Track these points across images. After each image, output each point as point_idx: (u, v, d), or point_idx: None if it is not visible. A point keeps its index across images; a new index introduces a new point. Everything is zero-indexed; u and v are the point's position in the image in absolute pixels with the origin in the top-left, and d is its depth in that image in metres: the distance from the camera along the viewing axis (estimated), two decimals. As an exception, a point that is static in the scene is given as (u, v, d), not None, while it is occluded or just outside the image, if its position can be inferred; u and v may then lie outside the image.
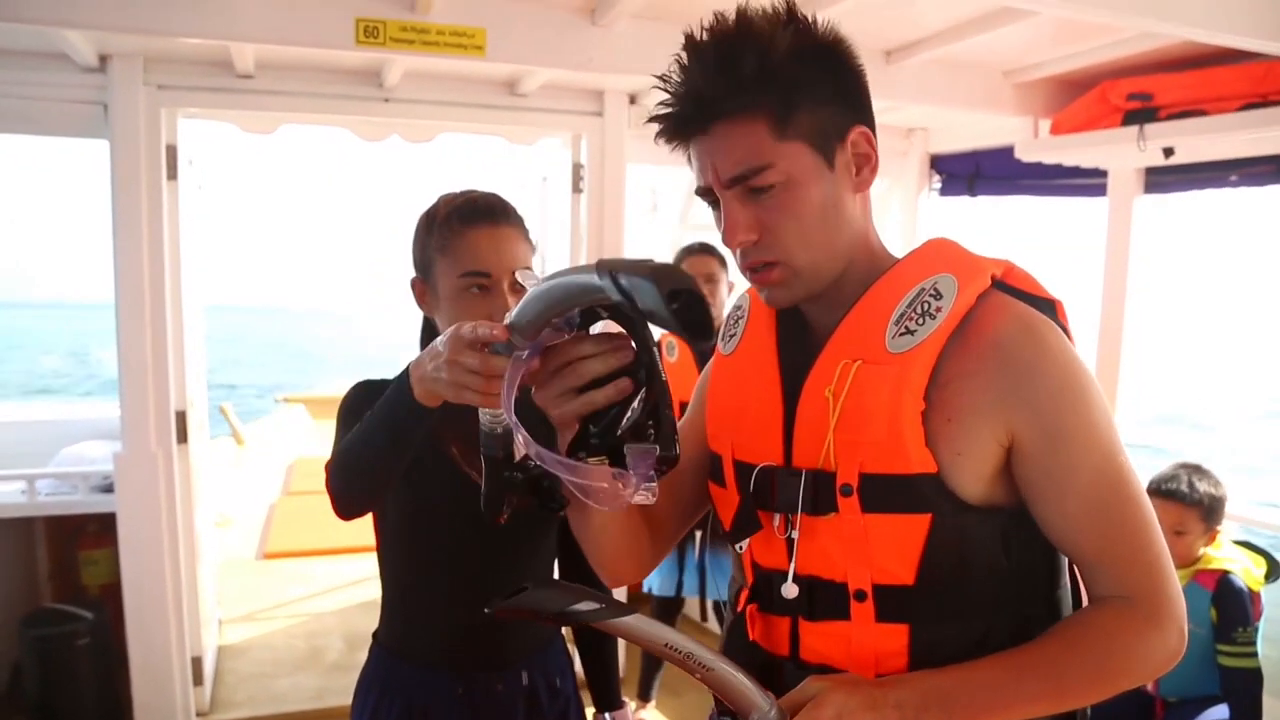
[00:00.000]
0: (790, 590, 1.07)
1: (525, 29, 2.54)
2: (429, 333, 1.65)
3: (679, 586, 3.42)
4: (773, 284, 1.07)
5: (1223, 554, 2.62)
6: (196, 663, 3.40)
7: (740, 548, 1.13)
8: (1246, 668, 2.51)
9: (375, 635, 1.66)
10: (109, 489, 3.23)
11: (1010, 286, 1.07)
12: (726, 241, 1.05)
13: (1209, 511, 2.61)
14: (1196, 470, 2.68)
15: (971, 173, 4.07)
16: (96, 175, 3.06)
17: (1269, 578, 2.62)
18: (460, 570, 1.54)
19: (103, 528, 3.44)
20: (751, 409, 1.12)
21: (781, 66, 0.99)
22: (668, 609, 3.56)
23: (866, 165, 1.06)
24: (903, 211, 4.23)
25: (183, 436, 3.24)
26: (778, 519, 1.08)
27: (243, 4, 2.35)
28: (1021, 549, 1.04)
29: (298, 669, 3.97)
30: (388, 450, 1.27)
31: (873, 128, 1.06)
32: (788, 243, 1.03)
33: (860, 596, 1.04)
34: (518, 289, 1.49)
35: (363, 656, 1.67)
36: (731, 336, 1.21)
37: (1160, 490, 2.64)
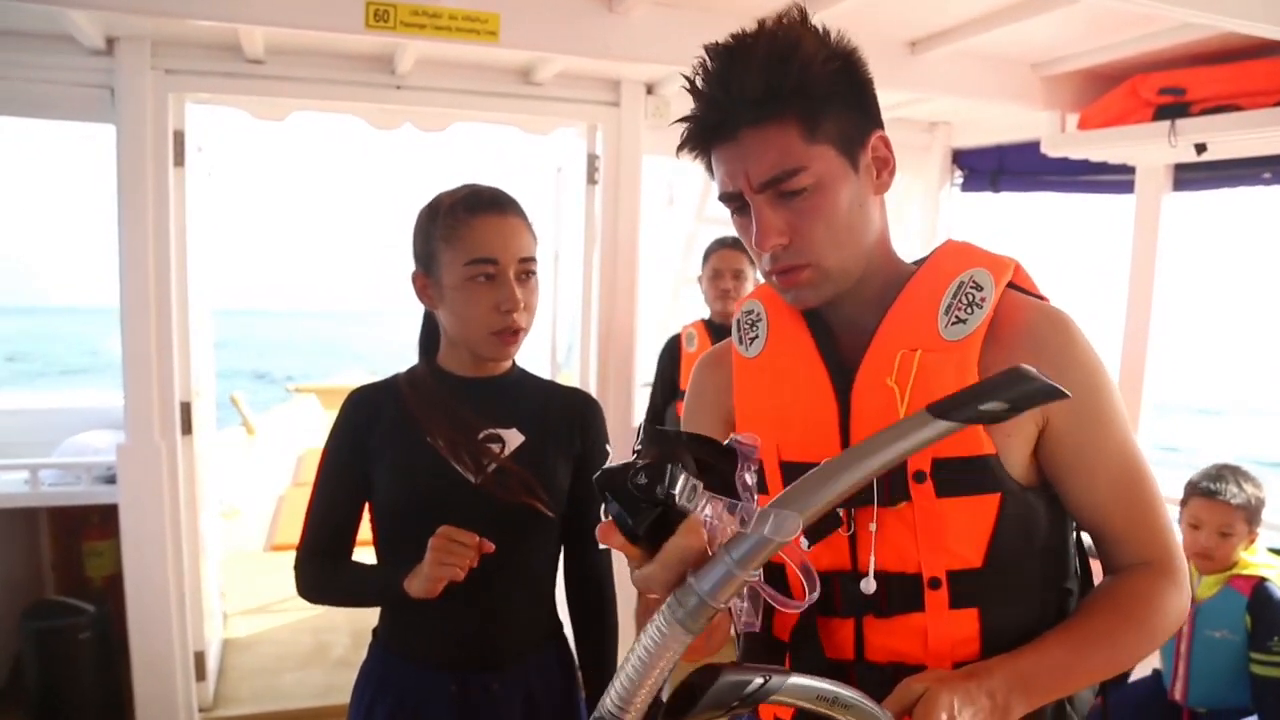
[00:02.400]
0: (870, 585, 1.06)
1: (540, 14, 2.48)
2: (429, 327, 1.65)
3: None
4: (801, 285, 1.08)
5: (1259, 559, 2.55)
6: (199, 657, 3.36)
7: (807, 548, 1.11)
8: (1279, 677, 2.43)
9: (375, 632, 1.67)
10: (112, 480, 3.19)
11: (1017, 285, 1.11)
12: (759, 245, 1.06)
13: (1253, 514, 2.55)
14: (1239, 472, 2.62)
15: (995, 168, 4.01)
16: (103, 167, 3.00)
17: None
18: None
19: (107, 519, 3.40)
20: (799, 407, 1.12)
21: (813, 75, 1.02)
22: None
23: (885, 169, 1.10)
24: (924, 207, 4.16)
25: (187, 428, 3.19)
26: (842, 515, 1.08)
27: (252, -15, 2.29)
28: (1058, 525, 1.10)
29: (303, 665, 3.92)
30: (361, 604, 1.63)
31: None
32: (819, 244, 1.06)
33: (935, 584, 1.05)
34: (523, 279, 1.52)
35: None
36: (753, 340, 1.19)
37: (1207, 491, 2.57)
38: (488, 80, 3.30)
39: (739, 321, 1.22)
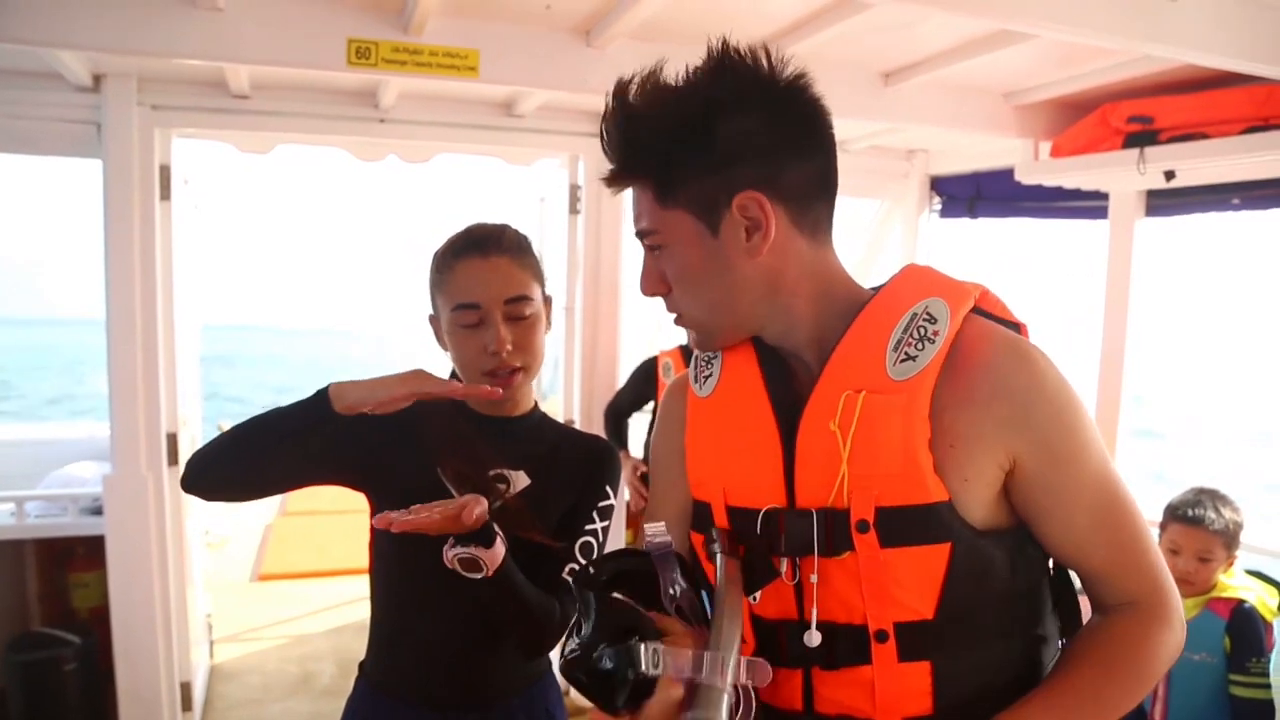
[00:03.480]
0: (813, 638, 1.03)
1: (519, 50, 2.52)
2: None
3: None
4: (688, 331, 1.14)
5: (1237, 582, 2.57)
6: (185, 688, 3.36)
7: (754, 599, 1.09)
8: (1259, 699, 2.44)
9: (361, 666, 1.64)
10: (99, 511, 3.20)
11: (984, 311, 1.07)
12: (640, 289, 1.13)
13: (1231, 538, 2.56)
14: (1217, 496, 2.62)
15: (972, 194, 4.05)
16: (90, 193, 3.02)
17: None
18: (437, 604, 1.51)
19: (93, 550, 3.39)
20: (745, 450, 1.08)
21: (660, 146, 1.03)
22: None
23: (757, 231, 1.04)
24: (903, 233, 4.21)
25: (173, 458, 3.20)
26: (784, 564, 1.04)
27: (235, 25, 2.32)
28: (1027, 569, 1.05)
29: (289, 694, 3.91)
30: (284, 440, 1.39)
31: (781, 186, 1.04)
32: (681, 300, 1.10)
33: (881, 637, 1.01)
34: (513, 319, 1.49)
35: None
36: (707, 378, 1.16)
37: (1186, 517, 2.58)
38: (470, 113, 3.34)
39: (696, 359, 1.19)
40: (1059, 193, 3.62)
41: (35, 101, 2.90)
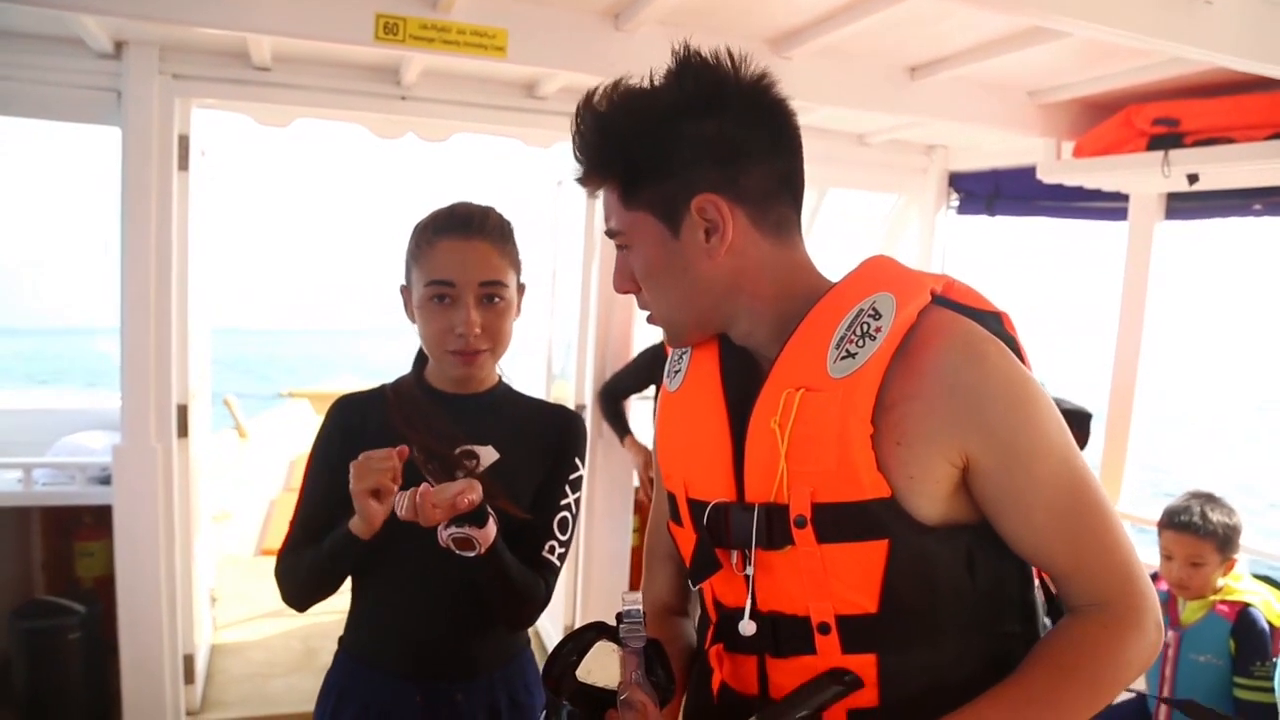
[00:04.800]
0: (748, 628, 1.06)
1: (547, 31, 2.51)
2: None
3: None
4: (659, 327, 1.17)
5: (1244, 585, 2.58)
6: (189, 660, 3.36)
7: (696, 589, 1.14)
8: (1263, 702, 2.46)
9: (340, 640, 1.66)
10: (107, 481, 3.19)
11: (952, 301, 1.06)
12: (613, 286, 1.17)
13: (1224, 541, 2.56)
14: (1209, 499, 2.63)
15: (991, 192, 4.04)
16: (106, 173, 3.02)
17: None
18: (421, 579, 1.54)
19: (99, 520, 3.39)
20: (701, 445, 1.12)
21: (622, 151, 1.07)
22: None
23: (716, 233, 1.06)
24: (920, 228, 4.20)
25: (183, 430, 3.20)
26: (735, 556, 1.07)
27: (262, -5, 2.31)
28: (988, 566, 1.03)
29: (292, 670, 3.91)
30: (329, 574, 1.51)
31: (741, 188, 1.06)
32: (649, 299, 1.14)
33: (824, 629, 1.03)
34: (485, 302, 1.52)
35: None
36: (676, 373, 1.20)
37: (1174, 523, 2.59)
38: (491, 93, 3.33)
39: (670, 355, 1.22)
40: (1078, 193, 3.61)
41: (56, 67, 2.88)
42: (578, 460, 1.62)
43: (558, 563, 1.58)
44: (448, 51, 2.41)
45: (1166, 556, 2.61)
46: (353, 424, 1.57)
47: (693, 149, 1.04)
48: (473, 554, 1.35)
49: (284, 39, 2.70)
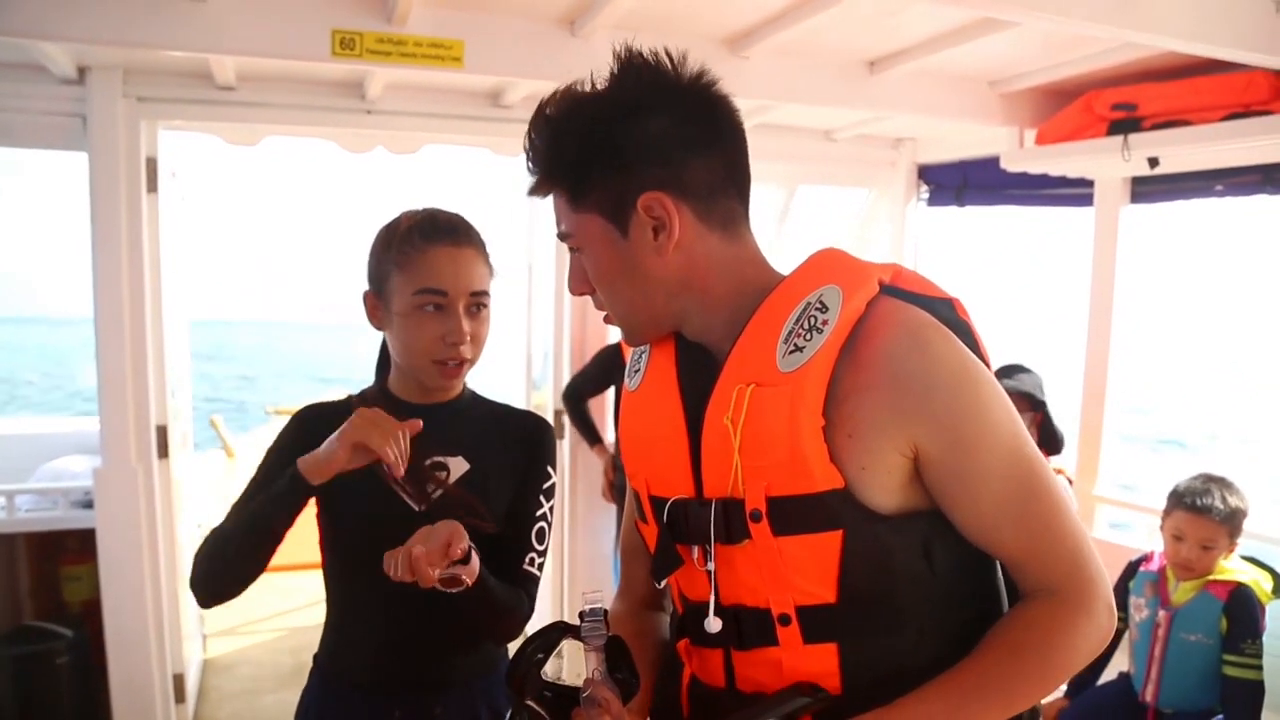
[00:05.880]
0: (714, 624, 1.07)
1: (504, 41, 2.52)
2: (386, 350, 1.63)
3: None
4: (617, 327, 1.17)
5: (1233, 565, 2.60)
6: (179, 680, 3.37)
7: (660, 585, 1.15)
8: (1250, 679, 2.48)
9: (315, 657, 1.64)
10: (90, 504, 3.20)
11: (902, 290, 1.07)
12: (569, 289, 1.18)
13: (1236, 527, 2.58)
14: (1223, 483, 2.63)
15: (959, 183, 4.06)
16: (76, 186, 3.02)
17: (1276, 593, 2.59)
18: (398, 590, 1.45)
19: (84, 544, 3.39)
20: (660, 443, 1.13)
21: (564, 151, 1.08)
22: None
23: (663, 230, 1.06)
24: (891, 222, 4.22)
25: (163, 451, 3.20)
26: (696, 551, 1.08)
27: (220, 16, 2.32)
28: (947, 552, 1.04)
29: (282, 685, 3.93)
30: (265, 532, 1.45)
31: (685, 185, 1.06)
32: (604, 299, 1.14)
33: (785, 620, 1.04)
34: (473, 312, 1.50)
35: None
36: (636, 372, 1.21)
37: (1192, 506, 2.58)
38: (457, 103, 3.34)
39: (632, 354, 1.23)
40: (1045, 180, 3.63)
41: (19, 94, 2.89)
42: (549, 469, 1.59)
43: (538, 573, 1.57)
44: (405, 64, 2.42)
45: (1176, 537, 2.60)
46: (320, 433, 1.47)
47: (636, 148, 1.05)
48: (459, 590, 1.33)
49: (247, 58, 2.72)
